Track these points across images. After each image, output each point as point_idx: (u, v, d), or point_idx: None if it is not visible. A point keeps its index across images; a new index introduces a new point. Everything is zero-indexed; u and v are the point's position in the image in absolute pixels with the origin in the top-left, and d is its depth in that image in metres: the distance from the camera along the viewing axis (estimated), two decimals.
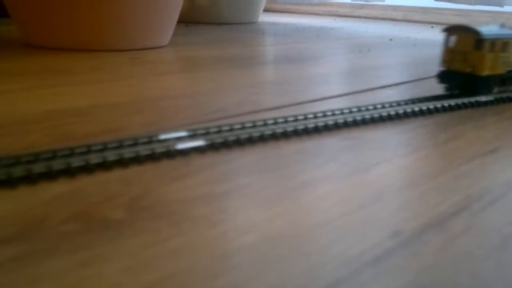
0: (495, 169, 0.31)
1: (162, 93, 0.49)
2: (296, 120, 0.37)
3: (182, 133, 0.33)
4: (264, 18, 1.34)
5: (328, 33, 1.08)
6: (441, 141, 0.36)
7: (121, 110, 0.42)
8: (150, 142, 0.32)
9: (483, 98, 0.47)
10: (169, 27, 0.84)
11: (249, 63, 0.69)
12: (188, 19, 1.18)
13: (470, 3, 1.04)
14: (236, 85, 0.53)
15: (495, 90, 0.49)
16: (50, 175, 0.28)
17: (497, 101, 0.48)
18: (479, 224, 0.23)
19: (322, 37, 1.02)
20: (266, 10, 1.38)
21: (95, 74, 0.58)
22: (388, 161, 0.31)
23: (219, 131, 0.34)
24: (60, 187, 0.27)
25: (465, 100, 0.46)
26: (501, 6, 1.09)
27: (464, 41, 0.48)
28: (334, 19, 1.41)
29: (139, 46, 0.78)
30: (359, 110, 0.41)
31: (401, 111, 0.41)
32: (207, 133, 0.34)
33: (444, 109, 0.44)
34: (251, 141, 0.34)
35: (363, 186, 0.28)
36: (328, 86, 0.54)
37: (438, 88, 0.52)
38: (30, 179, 0.27)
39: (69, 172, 0.28)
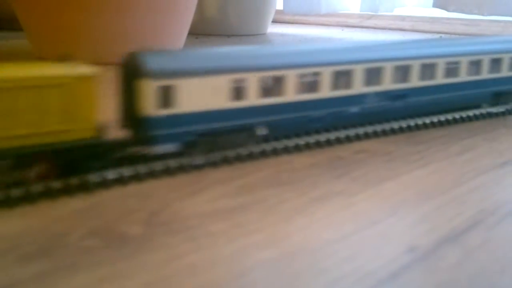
0: (508, 182, 0.31)
1: None
2: (308, 134, 0.37)
3: None
4: (273, 29, 1.35)
5: None
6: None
7: None
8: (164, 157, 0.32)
9: (493, 110, 0.48)
10: (180, 38, 0.85)
11: None
12: (198, 31, 1.19)
13: (482, 14, 1.04)
14: None
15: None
16: (68, 191, 0.28)
17: (508, 112, 0.48)
18: (495, 238, 0.24)
19: None
20: (274, 21, 1.39)
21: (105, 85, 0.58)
22: (401, 175, 0.32)
23: (232, 146, 0.34)
24: (78, 203, 0.27)
25: (477, 112, 0.46)
26: None
27: None
28: (342, 30, 1.42)
29: None
30: (370, 123, 0.41)
31: (412, 124, 0.42)
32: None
33: (455, 121, 0.44)
34: (264, 155, 0.34)
35: (376, 200, 0.28)
36: None
37: None
38: (49, 194, 0.28)
39: (87, 188, 0.29)
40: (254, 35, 1.25)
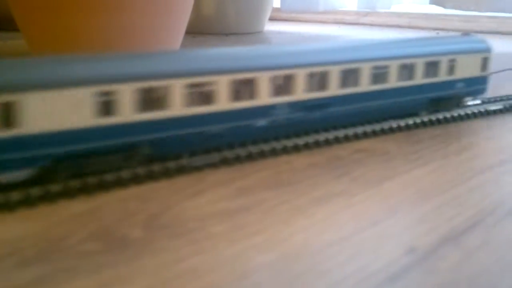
0: (507, 181, 0.31)
1: None
2: (307, 134, 0.37)
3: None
4: (270, 27, 1.35)
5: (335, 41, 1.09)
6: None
7: None
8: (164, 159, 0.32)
9: (491, 107, 0.48)
10: (177, 38, 0.84)
11: None
12: (195, 30, 1.19)
13: (480, 10, 1.04)
14: None
15: None
16: (68, 194, 0.28)
17: (506, 110, 0.48)
18: (495, 238, 0.24)
19: None
20: (271, 18, 1.39)
21: None
22: (400, 174, 0.32)
23: (231, 147, 0.34)
24: (79, 206, 0.27)
25: (475, 109, 0.46)
26: (511, 12, 1.09)
27: None
28: (339, 27, 1.42)
29: None
30: (369, 122, 0.41)
31: (410, 122, 0.42)
32: (219, 149, 0.34)
33: (454, 119, 0.44)
34: (262, 155, 0.34)
35: (376, 201, 0.28)
36: None
37: None
38: (49, 198, 0.28)
39: (87, 191, 0.29)
40: (251, 33, 1.25)
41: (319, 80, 0.36)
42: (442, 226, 0.25)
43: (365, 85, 0.38)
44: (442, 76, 0.43)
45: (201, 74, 0.31)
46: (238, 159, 0.33)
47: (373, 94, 0.39)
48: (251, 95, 0.33)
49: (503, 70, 0.74)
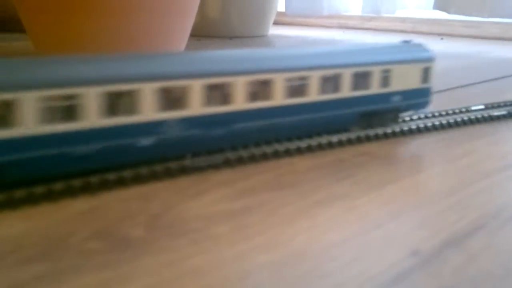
0: (510, 185, 0.31)
1: None
2: (310, 136, 0.37)
3: None
4: (274, 31, 1.35)
5: None
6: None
7: None
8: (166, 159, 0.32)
9: (495, 112, 0.47)
10: (181, 41, 0.85)
11: None
12: (200, 33, 1.19)
13: (482, 16, 1.04)
14: None
15: None
16: (71, 193, 0.28)
17: (510, 115, 0.48)
18: (498, 242, 0.24)
19: None
20: (275, 23, 1.39)
21: None
22: (403, 178, 0.32)
23: (234, 148, 0.34)
24: (81, 204, 0.27)
25: (478, 114, 0.46)
26: None
27: None
28: (343, 32, 1.42)
29: None
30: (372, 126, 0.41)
31: (413, 126, 0.42)
32: (222, 150, 0.34)
33: (457, 124, 0.44)
34: (265, 157, 0.34)
35: (378, 204, 0.28)
36: None
37: (450, 102, 0.52)
38: (52, 197, 0.28)
39: (89, 190, 0.29)
40: (255, 36, 1.25)
41: (222, 93, 0.31)
42: (445, 230, 0.25)
43: (279, 99, 0.34)
44: (375, 88, 0.39)
45: (61, 86, 0.26)
46: (240, 161, 0.33)
47: (289, 109, 0.34)
48: (131, 109, 0.28)
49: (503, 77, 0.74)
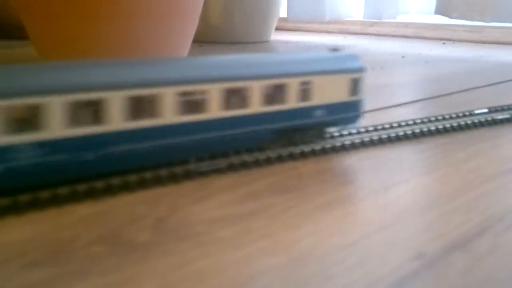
0: None
1: None
2: (313, 141, 0.37)
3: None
4: (276, 36, 1.36)
5: None
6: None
7: None
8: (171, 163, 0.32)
9: (498, 116, 0.48)
10: (184, 47, 0.85)
11: None
12: (203, 39, 1.19)
13: (485, 20, 1.04)
14: None
15: None
16: (76, 198, 0.28)
17: None
18: (504, 245, 0.24)
19: None
20: (278, 28, 1.39)
21: None
22: (407, 181, 0.32)
23: (238, 152, 0.34)
24: (86, 209, 0.27)
25: (482, 118, 0.46)
26: None
27: None
28: (345, 37, 1.42)
29: None
30: (376, 129, 0.41)
31: (417, 130, 0.42)
32: (226, 155, 0.34)
33: (460, 128, 0.44)
34: (269, 161, 0.34)
35: (382, 207, 0.28)
36: None
37: (453, 106, 0.52)
38: (57, 201, 0.28)
39: (94, 195, 0.29)
40: (258, 42, 1.25)
41: (93, 110, 0.27)
42: (450, 233, 0.25)
43: (168, 117, 0.30)
44: (292, 102, 0.34)
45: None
46: (244, 165, 0.33)
47: (182, 127, 0.30)
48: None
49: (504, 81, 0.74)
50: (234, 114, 0.32)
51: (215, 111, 0.31)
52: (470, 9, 1.04)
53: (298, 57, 0.37)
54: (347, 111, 0.37)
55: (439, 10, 1.12)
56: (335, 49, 0.39)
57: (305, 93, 0.35)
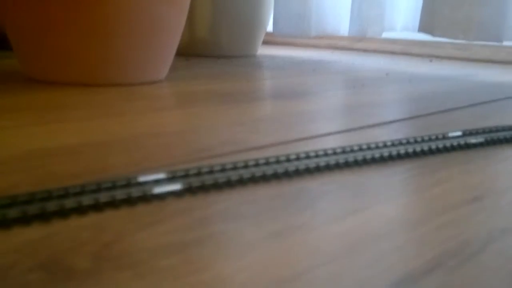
0: (477, 220, 0.30)
1: (150, 131, 0.49)
2: (278, 162, 0.37)
3: (161, 175, 0.33)
4: (263, 50, 1.35)
5: (325, 67, 1.09)
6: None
7: (108, 149, 0.42)
8: (127, 185, 0.32)
9: (472, 139, 0.47)
10: (166, 61, 0.84)
11: (242, 99, 0.69)
12: (189, 52, 1.19)
13: (468, 39, 1.04)
14: (226, 122, 0.53)
15: None
16: (25, 220, 0.28)
17: (487, 143, 0.48)
18: (456, 283, 0.23)
19: (318, 70, 1.03)
20: (265, 42, 1.39)
21: (90, 110, 0.58)
22: (368, 209, 0.31)
23: (198, 174, 0.34)
24: (34, 232, 0.27)
25: (454, 141, 0.46)
26: (500, 41, 1.09)
27: None
28: (332, 52, 1.42)
29: (136, 80, 0.78)
30: (344, 152, 0.40)
31: (386, 153, 0.41)
32: (185, 176, 0.33)
33: (431, 151, 0.44)
34: (229, 184, 0.34)
35: (337, 237, 0.27)
36: (316, 124, 0.54)
37: (429, 128, 0.52)
38: (5, 223, 0.27)
39: (44, 217, 0.28)
40: (244, 56, 1.25)
41: None
42: (401, 267, 0.24)
43: None
44: None
45: None
46: (203, 188, 0.33)
47: None
48: None
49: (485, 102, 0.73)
50: None
51: None
52: (453, 27, 1.04)
53: None
54: None
55: (423, 28, 1.12)
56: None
57: None
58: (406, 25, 1.30)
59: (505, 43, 1.16)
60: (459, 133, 0.50)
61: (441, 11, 1.06)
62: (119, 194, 0.31)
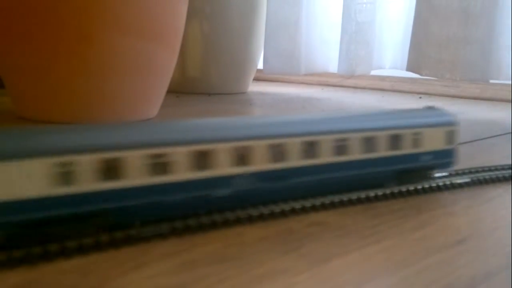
0: (459, 264, 0.31)
1: None
2: (264, 204, 0.37)
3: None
4: (254, 87, 1.37)
5: (314, 104, 1.10)
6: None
7: None
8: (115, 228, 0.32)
9: (458, 180, 0.47)
10: (157, 100, 0.85)
11: None
12: (180, 90, 1.20)
13: (455, 78, 1.06)
14: None
15: None
16: (11, 264, 0.28)
17: (473, 183, 0.48)
18: None
19: (308, 108, 1.04)
20: (256, 79, 1.41)
21: None
22: (350, 252, 0.31)
23: (183, 217, 0.34)
24: (17, 277, 0.27)
25: (440, 182, 0.46)
26: (486, 81, 1.11)
27: None
28: (323, 89, 1.44)
29: (127, 119, 0.79)
30: (330, 192, 0.41)
31: (372, 194, 0.41)
32: (170, 219, 0.34)
33: (416, 192, 0.44)
34: (214, 226, 0.34)
35: (320, 281, 0.27)
36: None
37: None
38: None
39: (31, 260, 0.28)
40: (235, 93, 1.27)
41: (279, 152, 0.36)
42: None
43: (325, 157, 0.38)
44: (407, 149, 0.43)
45: (159, 145, 0.31)
46: (188, 230, 0.33)
47: (334, 166, 0.39)
48: (211, 165, 0.33)
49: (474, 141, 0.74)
50: (369, 157, 0.41)
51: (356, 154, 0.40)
52: (439, 66, 1.06)
53: (409, 114, 0.46)
54: (444, 157, 0.46)
55: (411, 68, 1.14)
56: (430, 107, 0.48)
57: (416, 141, 0.44)
58: (395, 64, 1.32)
59: (492, 81, 1.18)
60: (445, 173, 0.50)
61: (428, 51, 1.08)
62: (104, 237, 0.31)
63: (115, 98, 0.77)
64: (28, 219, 0.28)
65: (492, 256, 0.32)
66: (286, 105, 1.08)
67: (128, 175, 0.31)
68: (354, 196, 0.41)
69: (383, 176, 0.43)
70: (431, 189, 0.45)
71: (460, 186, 0.47)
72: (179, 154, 0.32)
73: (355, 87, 1.48)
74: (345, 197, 0.40)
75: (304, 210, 0.38)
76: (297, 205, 0.38)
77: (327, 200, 0.39)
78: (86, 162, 0.29)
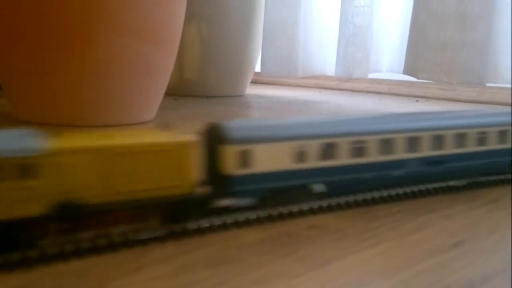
0: (457, 266, 0.31)
1: None
2: (261, 208, 0.37)
3: None
4: (252, 90, 1.37)
5: (311, 107, 1.10)
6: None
7: None
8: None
9: (455, 184, 0.48)
10: (155, 103, 0.85)
11: None
12: (178, 92, 1.20)
13: (451, 82, 1.06)
14: None
15: None
16: (8, 266, 0.28)
17: (470, 186, 0.48)
18: None
19: (305, 111, 1.04)
20: (253, 81, 1.41)
21: None
22: (348, 255, 0.31)
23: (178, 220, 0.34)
24: (16, 280, 0.27)
25: (436, 185, 0.46)
26: (483, 84, 1.11)
27: None
28: (320, 92, 1.44)
29: (124, 122, 0.79)
30: (327, 196, 0.41)
31: (369, 197, 0.41)
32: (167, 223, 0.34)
33: (414, 195, 0.44)
34: (212, 229, 0.34)
35: (317, 284, 0.27)
36: None
37: None
38: None
39: (28, 263, 0.28)
40: (233, 96, 1.27)
41: (439, 141, 0.44)
42: None
43: (471, 146, 0.46)
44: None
45: (359, 135, 0.40)
46: (186, 233, 0.33)
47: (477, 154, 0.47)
48: (391, 150, 0.42)
49: None
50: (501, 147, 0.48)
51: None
52: (436, 70, 1.06)
53: (475, 113, 0.51)
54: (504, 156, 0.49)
55: (408, 71, 1.14)
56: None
57: (482, 140, 0.47)
58: (392, 67, 1.33)
59: (489, 84, 1.18)
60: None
61: (425, 54, 1.08)
62: (102, 240, 0.31)
63: (113, 100, 0.77)
64: (276, 186, 0.37)
65: (489, 259, 0.32)
66: (283, 108, 1.09)
67: (339, 156, 0.39)
68: (351, 199, 0.41)
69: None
70: (428, 192, 0.45)
71: (457, 189, 0.47)
72: (372, 141, 0.41)
73: (352, 90, 1.48)
74: (342, 200, 0.40)
75: (302, 213, 0.38)
76: (295, 208, 0.38)
77: (324, 203, 0.39)
78: (313, 146, 0.38)
